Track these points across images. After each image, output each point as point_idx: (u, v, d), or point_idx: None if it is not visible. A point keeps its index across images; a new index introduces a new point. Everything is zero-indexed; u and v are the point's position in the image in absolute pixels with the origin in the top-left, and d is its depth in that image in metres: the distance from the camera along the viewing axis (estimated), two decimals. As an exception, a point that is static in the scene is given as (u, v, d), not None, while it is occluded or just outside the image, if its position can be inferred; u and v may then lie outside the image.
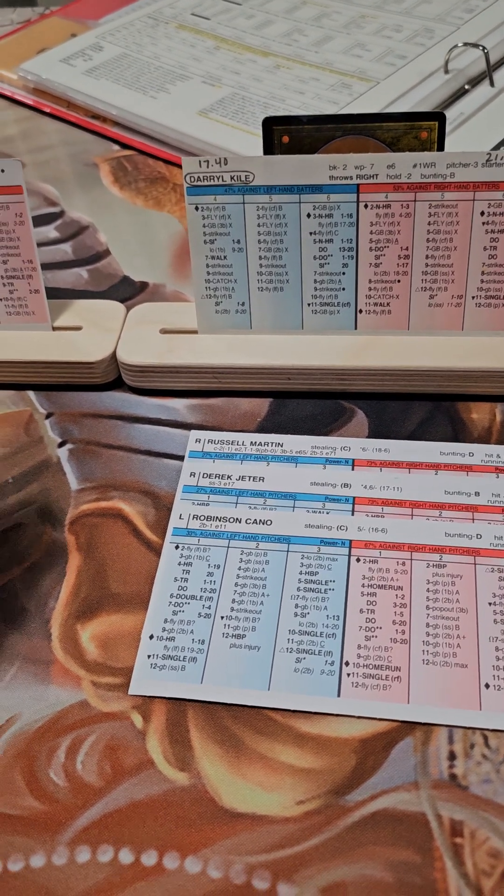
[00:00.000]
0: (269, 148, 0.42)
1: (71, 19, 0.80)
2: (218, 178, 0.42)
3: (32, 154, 0.65)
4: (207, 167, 0.42)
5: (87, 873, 0.30)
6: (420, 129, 0.41)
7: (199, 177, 0.42)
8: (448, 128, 0.60)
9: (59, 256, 0.56)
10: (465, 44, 0.65)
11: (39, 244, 0.56)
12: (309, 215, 0.43)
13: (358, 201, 0.42)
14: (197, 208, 0.43)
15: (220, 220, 0.43)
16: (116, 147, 0.65)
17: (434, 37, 0.70)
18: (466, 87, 0.64)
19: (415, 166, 0.41)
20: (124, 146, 0.65)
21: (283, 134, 0.42)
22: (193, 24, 0.75)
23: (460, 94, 0.64)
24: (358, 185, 0.42)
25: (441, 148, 0.42)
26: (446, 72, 0.65)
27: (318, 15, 0.75)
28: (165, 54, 0.70)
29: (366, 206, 0.42)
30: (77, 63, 0.70)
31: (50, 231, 0.58)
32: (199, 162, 0.42)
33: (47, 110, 0.69)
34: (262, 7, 0.77)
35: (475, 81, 0.64)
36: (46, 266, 0.54)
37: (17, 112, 0.70)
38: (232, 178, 0.42)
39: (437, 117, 0.41)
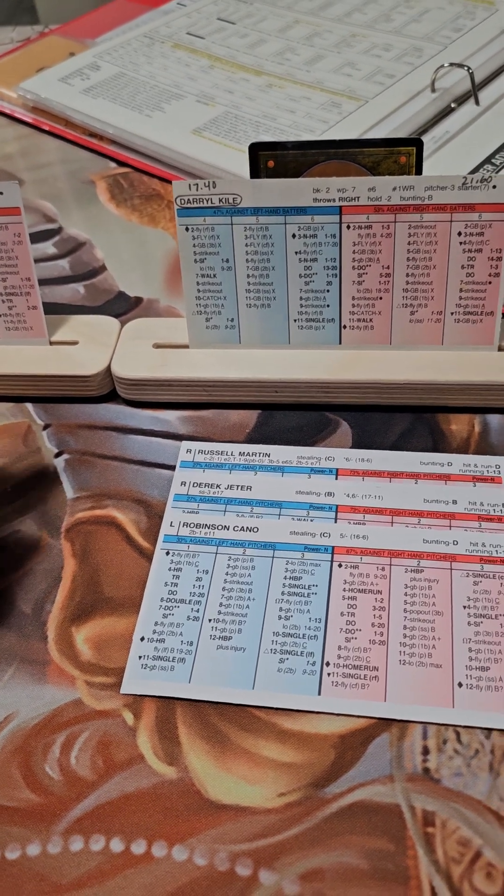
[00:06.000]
0: (255, 172, 0.44)
1: (69, 38, 0.82)
2: (207, 201, 0.44)
3: (31, 171, 0.67)
4: (197, 190, 0.44)
5: (79, 861, 0.32)
6: (399, 154, 0.43)
7: (188, 199, 0.44)
8: (434, 145, 0.62)
9: (57, 272, 0.58)
10: (451, 64, 0.67)
11: (38, 260, 0.58)
12: (294, 236, 0.45)
13: (341, 222, 0.44)
14: (187, 229, 0.45)
15: (210, 241, 0.45)
16: (113, 165, 0.67)
17: (422, 56, 0.72)
18: (453, 105, 0.66)
19: (395, 189, 0.43)
20: (121, 164, 0.67)
21: (269, 159, 0.44)
22: (188, 43, 0.77)
23: (447, 112, 0.66)
24: (340, 207, 0.44)
25: (419, 172, 0.44)
26: (433, 90, 0.67)
27: (309, 34, 0.77)
28: (161, 73, 0.72)
29: (348, 227, 0.44)
30: (75, 82, 0.72)
31: (48, 247, 0.60)
32: (189, 185, 0.44)
33: (46, 128, 0.71)
34: (255, 26, 0.79)
35: (461, 100, 0.66)
36: (45, 281, 0.56)
37: (17, 130, 0.72)
38: (220, 200, 0.44)
39: (415, 143, 0.43)
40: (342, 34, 0.76)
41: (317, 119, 0.65)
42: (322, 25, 0.78)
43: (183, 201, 0.44)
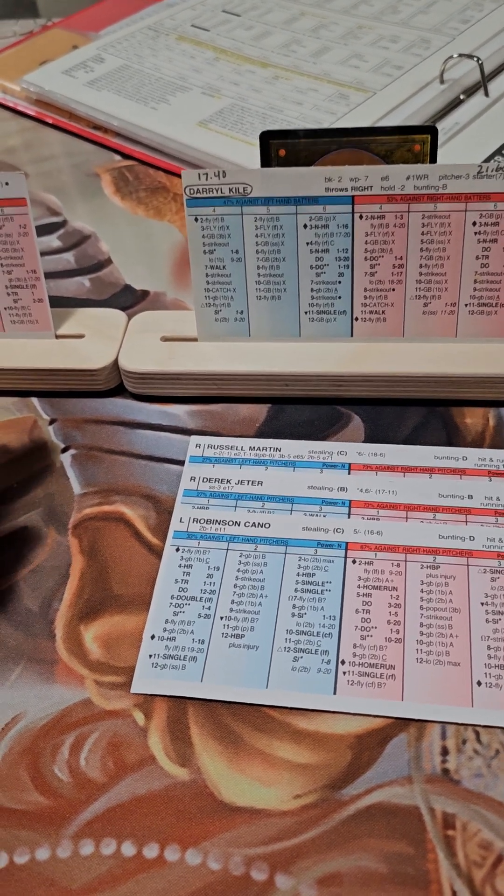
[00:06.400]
0: (265, 161, 0.44)
1: (73, 31, 0.81)
2: (217, 191, 0.43)
3: (35, 164, 0.66)
4: (206, 180, 0.43)
5: (90, 866, 0.31)
6: (413, 143, 0.42)
7: (198, 189, 0.43)
8: (443, 137, 0.61)
9: (62, 265, 0.57)
10: (461, 55, 0.66)
11: (43, 253, 0.57)
12: (305, 226, 0.44)
13: (353, 212, 0.43)
14: (196, 219, 0.44)
15: (219, 231, 0.44)
16: (118, 157, 0.66)
17: (430, 47, 0.71)
18: (462, 97, 0.65)
19: (408, 178, 0.42)
20: (125, 156, 0.66)
21: (280, 147, 0.43)
22: (193, 36, 0.76)
23: (456, 104, 0.65)
24: (353, 196, 0.43)
25: (433, 160, 0.43)
26: (442, 82, 0.66)
27: (316, 26, 0.76)
28: (166, 66, 0.72)
29: (360, 217, 0.43)
30: (79, 75, 0.71)
31: (53, 240, 0.59)
32: (199, 175, 0.43)
33: (50, 121, 0.70)
34: (261, 18, 0.78)
35: (470, 91, 0.66)
36: (50, 275, 0.56)
37: (21, 123, 0.71)
38: (230, 190, 0.43)
39: (430, 131, 0.42)
40: (349, 26, 0.75)
41: (324, 111, 0.64)
42: (328, 17, 0.77)
43: (192, 191, 0.43)
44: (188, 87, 0.68)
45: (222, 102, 0.66)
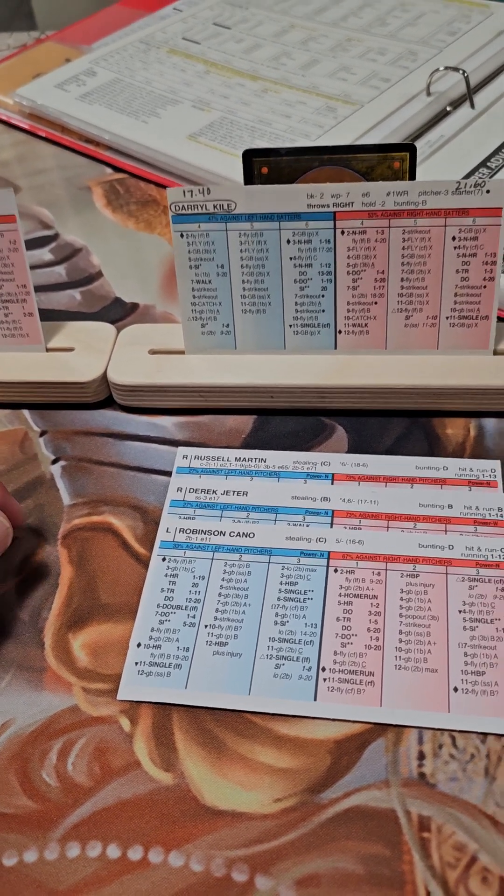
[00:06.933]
0: (248, 179, 0.45)
1: (66, 44, 0.82)
2: (202, 207, 0.44)
3: (28, 178, 0.68)
4: (191, 196, 0.44)
5: (76, 867, 0.32)
6: (393, 160, 0.43)
7: (183, 205, 0.44)
8: (430, 149, 0.62)
9: (54, 279, 0.58)
10: (447, 67, 0.67)
11: (34, 267, 0.58)
12: (289, 241, 0.45)
13: (335, 228, 0.44)
14: (182, 235, 0.45)
15: (205, 247, 0.45)
16: (109, 170, 0.67)
17: (417, 59, 0.72)
18: (448, 109, 0.66)
19: (388, 194, 0.43)
20: (117, 169, 0.67)
21: (263, 165, 0.44)
22: (184, 49, 0.77)
23: (442, 115, 0.66)
24: (334, 212, 0.44)
25: (413, 177, 0.44)
26: (428, 94, 0.67)
27: (305, 38, 0.77)
28: (157, 79, 0.73)
29: (342, 233, 0.44)
30: (71, 88, 0.72)
31: (44, 254, 0.60)
32: (184, 191, 0.44)
33: (42, 134, 0.71)
34: (251, 31, 0.79)
35: (457, 103, 0.66)
36: (41, 288, 0.57)
37: (14, 136, 0.72)
38: (215, 206, 0.44)
39: (409, 148, 0.43)
40: (337, 38, 0.76)
41: (312, 124, 0.65)
42: (317, 30, 0.78)
43: (177, 208, 0.44)
44: (179, 101, 0.69)
45: (212, 116, 0.67)
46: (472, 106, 0.66)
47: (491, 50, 0.71)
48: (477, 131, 0.64)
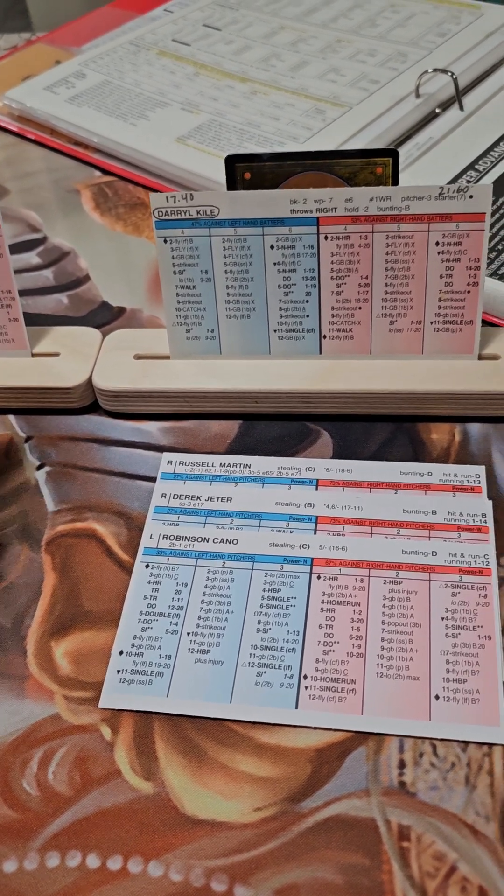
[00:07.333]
0: (231, 184, 0.44)
1: (56, 46, 0.82)
2: (185, 213, 0.44)
3: (17, 180, 0.67)
4: (175, 202, 0.44)
5: (56, 877, 0.32)
6: (375, 165, 0.43)
7: (166, 211, 0.44)
8: (418, 151, 0.62)
9: (41, 283, 0.58)
10: (435, 69, 0.66)
11: (22, 270, 0.58)
12: (272, 247, 0.45)
13: (318, 233, 0.44)
14: (166, 241, 0.45)
15: (189, 252, 0.45)
16: (98, 173, 0.67)
17: (407, 61, 0.72)
18: (437, 110, 0.66)
19: (371, 200, 0.43)
20: (105, 172, 0.67)
21: (245, 171, 0.44)
22: (174, 51, 0.77)
23: (431, 117, 0.66)
24: (318, 217, 0.44)
25: (395, 182, 0.44)
26: (417, 96, 0.67)
27: (295, 40, 0.77)
28: (146, 81, 0.72)
29: (326, 238, 0.44)
30: (60, 91, 0.72)
31: (32, 257, 0.60)
32: (167, 197, 0.44)
33: (31, 137, 0.71)
34: (241, 32, 0.79)
35: (445, 105, 0.66)
36: (28, 292, 0.56)
37: (3, 139, 0.72)
38: (198, 212, 0.44)
39: (391, 154, 0.43)
40: (327, 39, 0.76)
41: (301, 126, 0.65)
42: (307, 31, 0.78)
43: (161, 213, 0.44)
44: (167, 103, 0.69)
45: (201, 118, 0.67)
46: (461, 108, 0.66)
47: (480, 52, 0.71)
48: (466, 133, 0.63)
